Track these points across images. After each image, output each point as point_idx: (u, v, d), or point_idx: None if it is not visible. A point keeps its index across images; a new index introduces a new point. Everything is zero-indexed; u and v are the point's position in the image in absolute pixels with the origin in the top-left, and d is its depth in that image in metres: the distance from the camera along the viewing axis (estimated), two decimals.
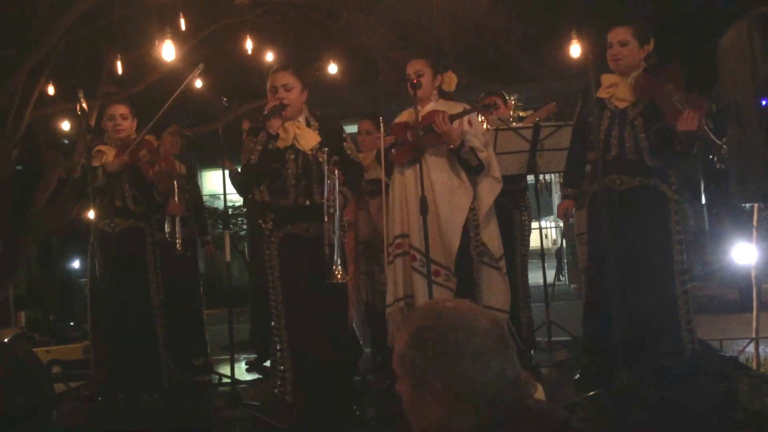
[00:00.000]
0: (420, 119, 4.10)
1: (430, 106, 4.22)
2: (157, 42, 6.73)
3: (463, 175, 4.18)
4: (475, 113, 4.31)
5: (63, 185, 8.15)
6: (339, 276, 3.69)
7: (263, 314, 5.40)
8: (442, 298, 1.64)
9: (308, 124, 3.96)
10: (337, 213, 3.73)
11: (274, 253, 3.91)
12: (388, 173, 4.31)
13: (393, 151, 4.25)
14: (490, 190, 4.31)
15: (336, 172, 3.78)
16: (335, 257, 3.68)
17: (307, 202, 3.87)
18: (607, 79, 4.00)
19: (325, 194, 3.73)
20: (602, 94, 3.99)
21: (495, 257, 4.33)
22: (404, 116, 4.36)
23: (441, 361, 1.46)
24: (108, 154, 4.53)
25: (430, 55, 4.51)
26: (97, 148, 4.61)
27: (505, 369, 1.47)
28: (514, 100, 5.53)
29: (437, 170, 4.16)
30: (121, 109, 4.62)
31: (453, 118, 4.05)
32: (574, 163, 4.24)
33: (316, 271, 3.80)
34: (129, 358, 4.31)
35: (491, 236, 4.33)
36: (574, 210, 4.41)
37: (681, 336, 3.87)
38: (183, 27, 6.85)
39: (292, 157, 3.88)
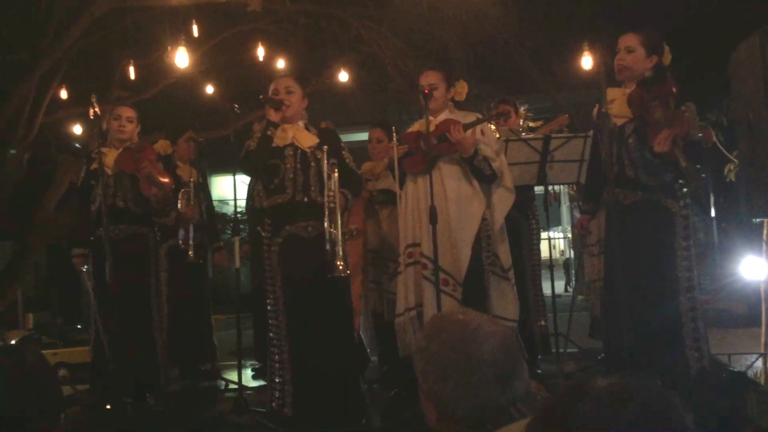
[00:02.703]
0: (433, 129, 4.11)
1: (443, 116, 4.23)
2: (169, 48, 6.78)
3: (476, 184, 4.16)
4: (488, 122, 4.32)
5: (73, 189, 8.18)
6: (341, 269, 3.70)
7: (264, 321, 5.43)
8: (456, 309, 1.63)
9: (307, 129, 4.04)
10: (338, 210, 3.76)
11: (274, 262, 3.91)
12: (402, 182, 4.30)
13: (405, 160, 4.26)
14: (503, 200, 4.28)
15: (336, 171, 3.84)
16: (337, 251, 3.70)
17: (305, 199, 3.90)
18: (610, 93, 3.88)
19: (325, 192, 3.78)
20: (606, 109, 3.97)
21: (504, 268, 4.30)
22: (417, 126, 4.36)
23: (430, 376, 1.50)
24: (108, 155, 4.56)
25: (443, 68, 4.49)
26: (97, 150, 4.66)
27: (504, 391, 1.46)
28: (524, 110, 5.52)
29: (450, 179, 4.14)
30: (128, 112, 4.69)
31: (466, 127, 4.05)
32: (590, 179, 4.22)
33: (320, 276, 3.80)
34: (127, 362, 4.31)
35: (502, 248, 4.30)
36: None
37: (686, 354, 3.76)
38: (195, 33, 6.90)
39: (291, 153, 3.94)
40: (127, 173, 4.58)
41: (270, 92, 4.01)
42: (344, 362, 3.91)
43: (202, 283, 5.67)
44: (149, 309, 4.63)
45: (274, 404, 3.88)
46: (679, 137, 3.51)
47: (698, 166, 3.74)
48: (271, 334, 3.93)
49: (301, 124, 4.06)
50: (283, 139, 3.96)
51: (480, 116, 4.19)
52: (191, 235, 5.17)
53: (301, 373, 3.84)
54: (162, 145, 5.06)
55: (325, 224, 3.76)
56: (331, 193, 3.78)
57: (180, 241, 5.14)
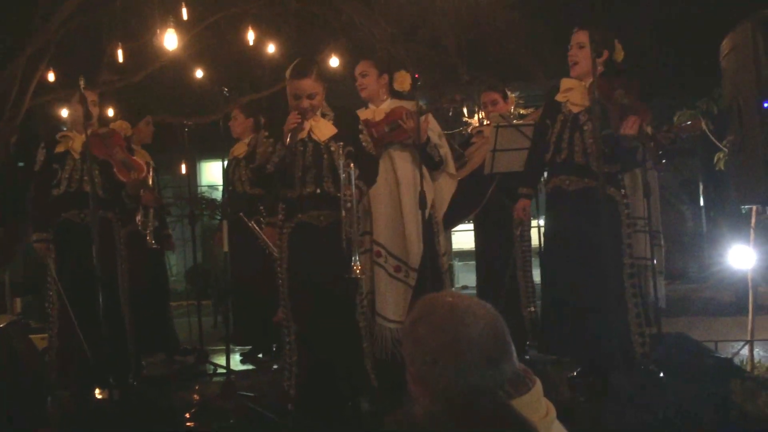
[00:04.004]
0: (382, 117, 4.21)
1: (387, 105, 4.31)
2: (158, 31, 6.72)
3: (425, 171, 4.22)
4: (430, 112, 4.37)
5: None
6: (358, 271, 3.65)
7: (244, 306, 5.44)
8: (444, 292, 1.62)
9: (323, 115, 3.95)
10: (354, 207, 3.69)
11: (284, 245, 3.90)
12: None
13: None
14: (446, 186, 4.41)
15: (351, 165, 3.74)
16: (353, 251, 3.65)
17: (318, 191, 3.85)
18: (565, 83, 4.04)
19: (342, 188, 3.66)
20: (559, 98, 4.05)
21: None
22: (366, 113, 4.38)
23: (418, 359, 1.49)
24: (75, 140, 4.50)
25: (373, 58, 4.65)
26: (62, 133, 4.60)
27: (492, 374, 1.46)
28: (515, 96, 5.50)
29: (402, 166, 4.21)
30: (92, 96, 4.63)
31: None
32: (532, 165, 4.28)
33: (328, 263, 3.76)
34: (96, 349, 4.21)
35: (441, 235, 4.44)
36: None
37: (632, 340, 3.85)
38: (185, 16, 6.84)
39: (302, 148, 3.86)
40: (97, 159, 4.49)
41: (289, 94, 3.89)
42: (350, 347, 3.89)
43: (160, 268, 5.71)
44: (116, 293, 4.57)
45: (285, 384, 3.91)
46: (644, 125, 3.70)
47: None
48: (284, 316, 3.96)
49: (318, 111, 3.96)
50: (300, 133, 3.88)
51: (422, 106, 4.25)
52: (150, 220, 5.15)
53: (306, 356, 3.85)
54: (120, 126, 5.00)
55: (342, 222, 3.67)
56: (348, 191, 3.67)
57: (139, 226, 5.12)
